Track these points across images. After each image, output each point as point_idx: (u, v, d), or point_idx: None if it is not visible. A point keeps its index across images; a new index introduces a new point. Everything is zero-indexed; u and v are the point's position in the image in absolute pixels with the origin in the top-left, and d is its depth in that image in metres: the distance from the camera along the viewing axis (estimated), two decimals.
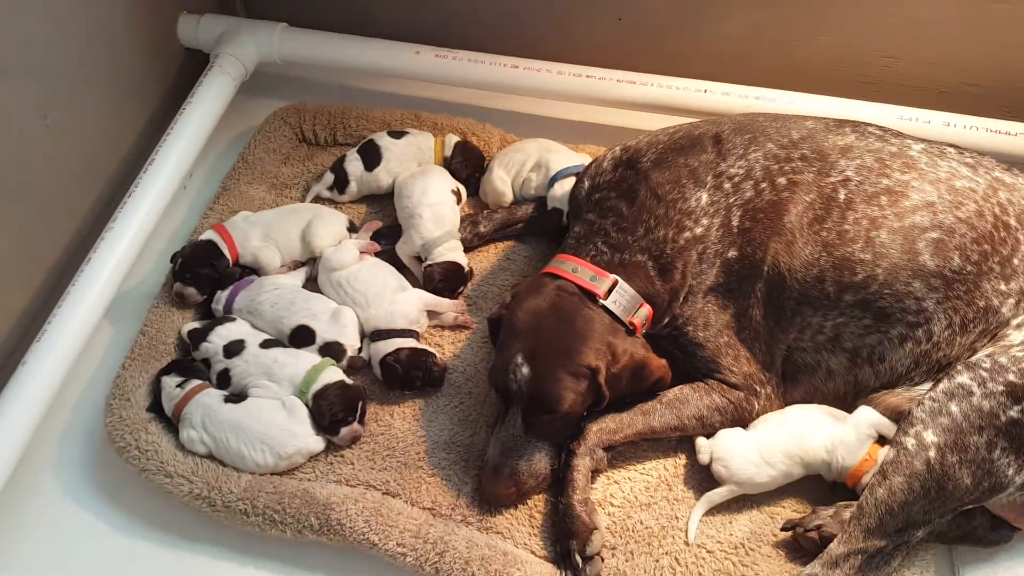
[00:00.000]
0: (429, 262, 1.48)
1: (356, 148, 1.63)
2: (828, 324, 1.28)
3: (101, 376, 1.46)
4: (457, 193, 1.57)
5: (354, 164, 1.61)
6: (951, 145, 1.36)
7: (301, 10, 1.79)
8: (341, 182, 1.62)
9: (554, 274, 1.28)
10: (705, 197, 1.29)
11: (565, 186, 1.50)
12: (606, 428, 1.28)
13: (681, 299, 1.29)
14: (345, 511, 1.24)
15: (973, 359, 1.20)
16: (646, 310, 1.27)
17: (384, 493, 1.29)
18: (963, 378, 1.18)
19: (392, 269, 1.49)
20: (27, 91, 1.43)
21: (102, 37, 1.59)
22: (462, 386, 1.41)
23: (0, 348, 1.42)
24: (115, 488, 1.36)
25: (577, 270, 1.27)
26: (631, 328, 1.26)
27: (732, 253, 1.28)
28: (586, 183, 1.38)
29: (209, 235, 1.52)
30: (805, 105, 1.58)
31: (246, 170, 1.70)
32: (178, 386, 1.36)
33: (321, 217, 1.55)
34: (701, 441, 1.29)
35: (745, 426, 1.31)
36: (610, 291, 1.25)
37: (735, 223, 1.28)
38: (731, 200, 1.28)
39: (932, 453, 1.15)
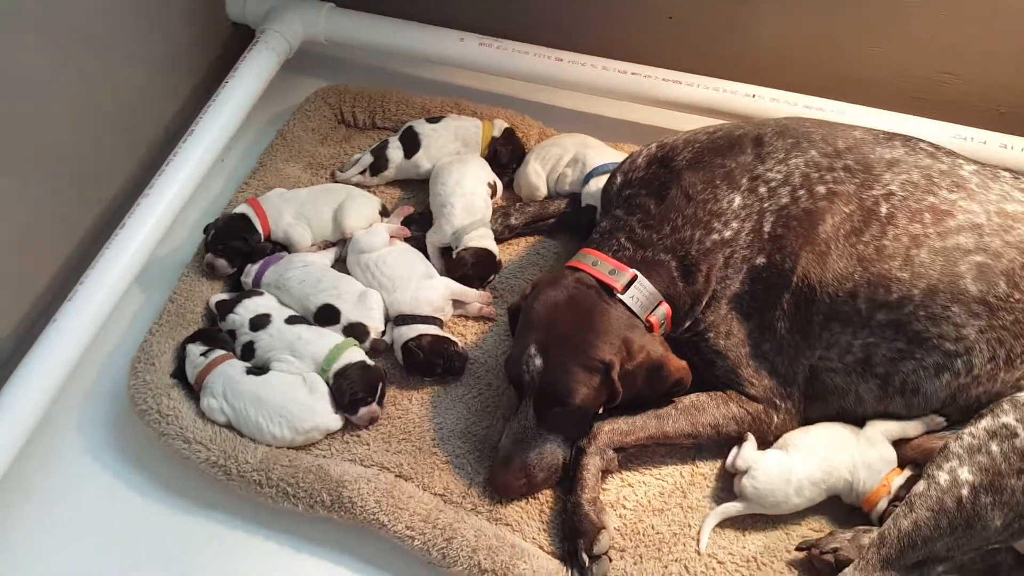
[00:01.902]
0: (461, 247, 1.47)
1: (398, 136, 1.63)
2: (858, 344, 1.24)
3: (129, 340, 1.48)
4: (492, 186, 1.56)
5: (395, 152, 1.61)
6: (1006, 169, 1.31)
7: None
8: (379, 167, 1.62)
9: (575, 267, 1.27)
10: (738, 200, 1.26)
11: (600, 183, 1.48)
12: (618, 429, 1.27)
13: (704, 304, 1.27)
14: (357, 490, 1.24)
15: (1021, 397, 1.15)
16: (665, 308, 1.25)
17: (397, 476, 1.29)
18: (1008, 418, 1.12)
19: (420, 255, 1.50)
20: (72, 56, 1.45)
21: (151, 6, 1.61)
22: (482, 377, 1.41)
23: (34, 306, 1.44)
24: (134, 450, 1.38)
25: (597, 263, 1.25)
26: (648, 325, 1.24)
27: (760, 260, 1.25)
28: (618, 179, 1.37)
29: (243, 209, 1.54)
30: (856, 117, 1.54)
31: (284, 147, 1.71)
32: (202, 355, 1.37)
33: (354, 199, 1.56)
34: (747, 451, 1.25)
35: (765, 439, 1.28)
36: (628, 286, 1.23)
37: (767, 229, 1.25)
38: (765, 205, 1.26)
39: (965, 491, 1.11)
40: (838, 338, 1.25)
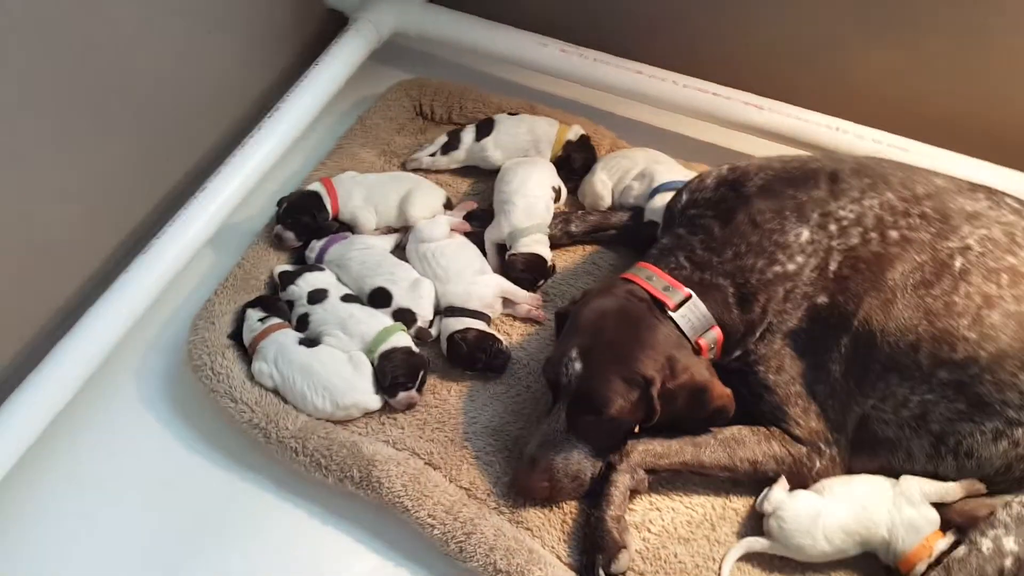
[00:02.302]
0: (513, 251, 1.49)
1: (475, 124, 1.67)
2: (915, 399, 1.19)
3: (194, 298, 1.55)
4: (557, 191, 1.57)
5: (468, 134, 1.65)
6: None
7: None
8: (450, 146, 1.66)
9: (629, 279, 1.26)
10: (806, 234, 1.23)
11: (665, 199, 1.46)
12: (652, 450, 1.25)
13: (757, 335, 1.24)
14: (386, 471, 1.27)
15: None
16: (716, 333, 1.23)
17: (426, 463, 1.31)
18: None
19: (477, 251, 1.51)
20: (177, 24, 1.53)
21: None
22: (522, 378, 1.41)
23: (110, 256, 1.52)
24: (185, 404, 1.44)
25: (652, 278, 1.24)
26: (697, 347, 1.23)
27: (822, 299, 1.22)
28: (684, 197, 1.35)
29: (316, 187, 1.59)
30: (941, 161, 1.48)
31: (362, 133, 1.76)
32: (260, 320, 1.43)
33: (421, 189, 1.59)
34: (776, 493, 1.22)
35: (804, 484, 1.24)
36: (681, 304, 1.22)
37: (832, 268, 1.22)
38: (833, 243, 1.22)
39: (1008, 562, 1.06)
40: (895, 390, 1.20)
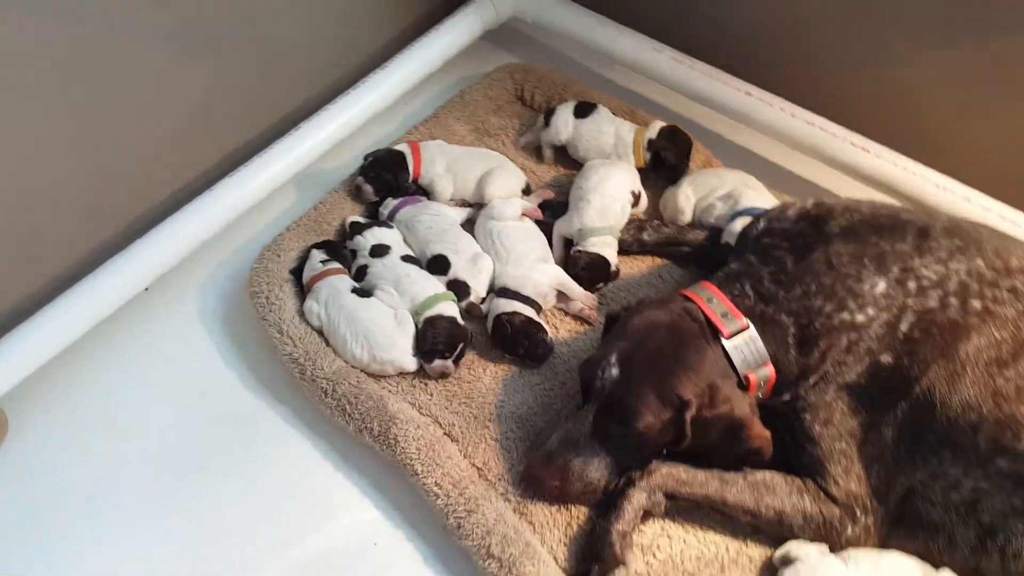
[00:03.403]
0: (579, 248, 1.47)
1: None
2: (968, 484, 1.10)
3: (268, 230, 1.61)
4: (636, 196, 1.54)
5: (567, 109, 1.65)
6: None
7: None
8: (549, 116, 1.66)
9: (688, 297, 1.22)
10: (882, 286, 1.16)
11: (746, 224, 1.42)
12: (676, 475, 1.21)
13: (811, 381, 1.18)
14: (404, 431, 1.28)
15: None
16: (769, 371, 1.18)
17: (445, 433, 1.31)
18: None
19: (543, 239, 1.51)
20: None
21: None
22: (560, 374, 1.39)
23: (203, 173, 1.59)
24: (236, 325, 1.51)
25: (712, 300, 1.20)
26: (745, 382, 1.17)
27: (886, 358, 1.15)
28: (762, 224, 1.30)
29: (403, 148, 1.63)
30: None
31: (460, 107, 1.79)
32: (322, 262, 1.47)
33: (503, 168, 1.60)
34: (793, 547, 1.16)
35: (830, 548, 1.17)
36: (736, 334, 1.17)
37: (903, 327, 1.14)
38: (909, 301, 1.14)
39: None
40: (947, 469, 1.12)
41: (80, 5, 1.24)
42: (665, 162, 1.57)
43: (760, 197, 1.49)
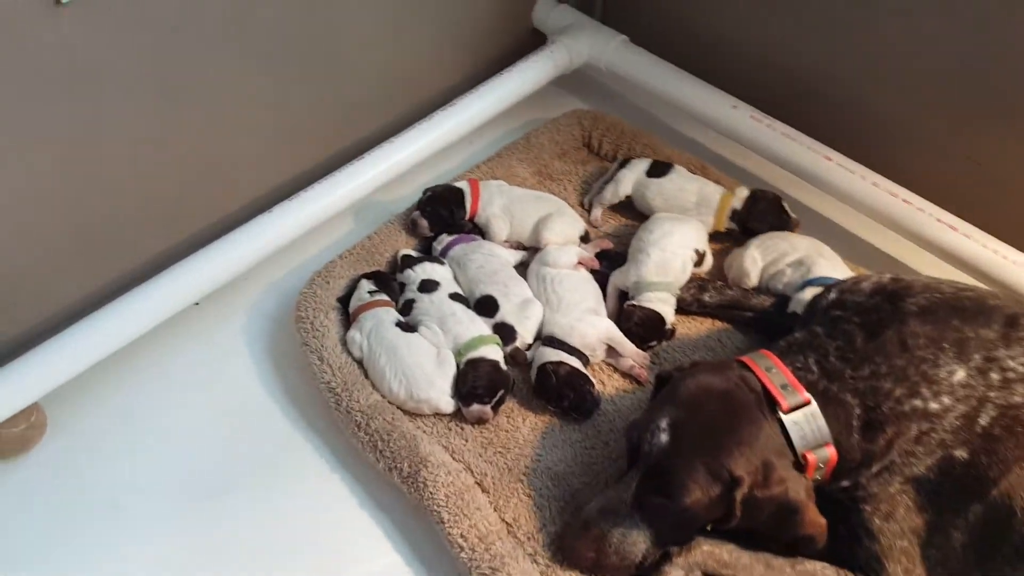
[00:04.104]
0: (634, 302, 1.41)
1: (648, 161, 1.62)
2: None
3: (319, 255, 1.60)
4: (700, 255, 1.47)
5: (641, 164, 1.60)
6: None
7: (649, 32, 1.81)
8: (620, 167, 1.62)
9: (746, 364, 1.14)
10: (961, 374, 1.06)
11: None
12: (718, 555, 1.11)
13: (874, 470, 1.08)
14: (434, 476, 1.22)
15: None
16: (829, 453, 1.08)
17: (476, 483, 1.25)
18: None
19: (597, 290, 1.45)
20: (386, 3, 1.60)
21: None
22: (603, 433, 1.32)
23: (264, 195, 1.60)
24: (278, 347, 1.49)
25: (772, 371, 1.11)
26: (802, 462, 1.08)
27: (961, 453, 1.04)
28: (833, 295, 1.22)
29: (462, 185, 1.61)
30: None
31: (524, 149, 1.77)
32: (370, 292, 1.45)
33: (562, 215, 1.56)
34: None
35: None
36: (796, 409, 1.08)
37: (982, 422, 1.04)
38: (991, 394, 1.04)
39: None
40: None
41: (168, 16, 1.27)
42: (758, 227, 1.50)
43: (833, 267, 1.40)
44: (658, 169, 1.59)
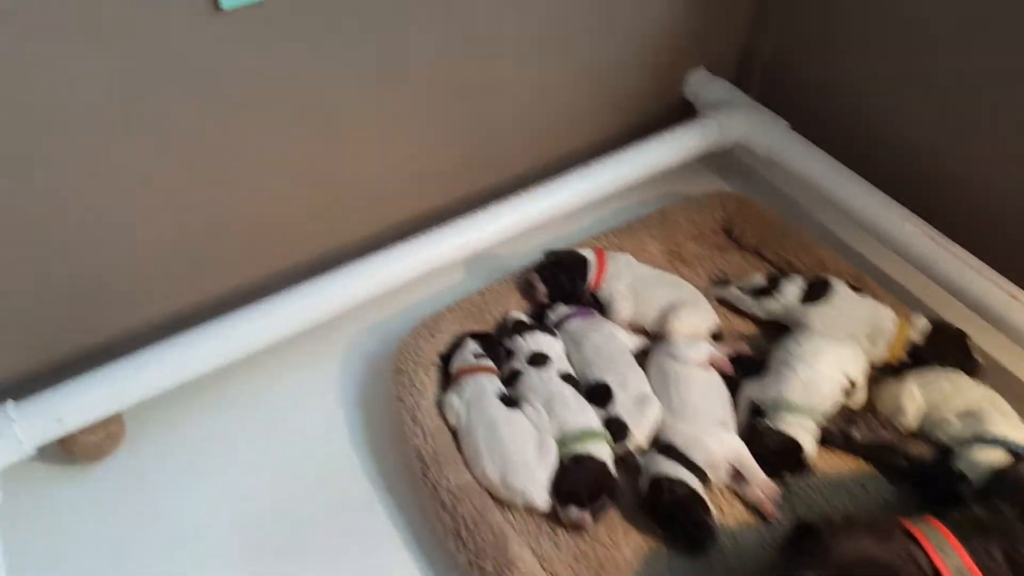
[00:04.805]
0: (769, 423, 1.24)
1: (808, 280, 1.42)
2: None
3: (427, 304, 1.50)
4: (852, 383, 1.28)
5: (793, 289, 1.41)
6: None
7: (809, 122, 1.66)
8: (766, 292, 1.43)
9: (912, 534, 0.96)
10: None
11: (991, 456, 1.13)
12: None
13: None
14: None
15: None
16: None
17: None
18: None
19: (727, 399, 1.28)
20: (543, 53, 1.52)
21: (628, 48, 1.65)
22: (716, 572, 1.14)
23: (383, 231, 1.53)
24: (370, 395, 1.39)
25: (945, 550, 0.93)
26: None
27: None
28: None
29: (588, 254, 1.48)
30: None
31: (659, 224, 1.63)
32: (476, 356, 1.33)
33: (696, 305, 1.41)
34: None
35: None
36: None
37: None
38: None
39: None
40: None
41: (316, 40, 1.22)
42: (939, 361, 1.30)
43: (1010, 425, 1.19)
44: (816, 291, 1.38)
